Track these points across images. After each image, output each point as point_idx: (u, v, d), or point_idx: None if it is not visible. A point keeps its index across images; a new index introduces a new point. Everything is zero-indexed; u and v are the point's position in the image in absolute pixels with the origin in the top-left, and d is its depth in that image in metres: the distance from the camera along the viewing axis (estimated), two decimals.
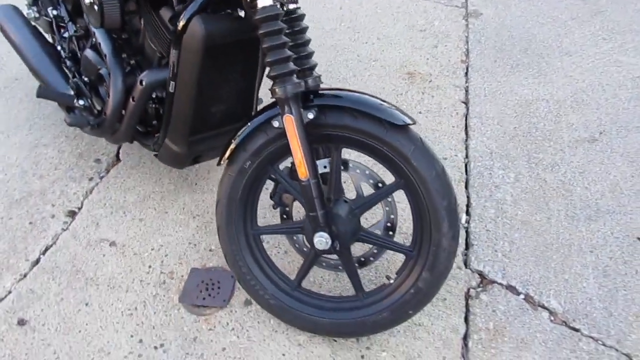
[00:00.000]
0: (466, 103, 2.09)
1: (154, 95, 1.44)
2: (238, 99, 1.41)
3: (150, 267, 1.52)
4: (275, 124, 1.12)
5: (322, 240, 1.15)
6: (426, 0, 2.79)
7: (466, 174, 1.78)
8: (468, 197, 1.70)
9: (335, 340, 1.31)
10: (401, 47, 2.44)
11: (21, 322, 1.39)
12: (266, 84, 1.25)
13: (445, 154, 1.85)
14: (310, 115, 1.09)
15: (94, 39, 1.48)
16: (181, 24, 1.18)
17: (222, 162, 1.23)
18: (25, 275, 1.51)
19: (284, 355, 1.29)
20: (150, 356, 1.30)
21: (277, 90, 1.07)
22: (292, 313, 1.28)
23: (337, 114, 1.11)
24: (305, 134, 1.09)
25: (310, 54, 1.23)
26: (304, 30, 1.22)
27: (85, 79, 1.55)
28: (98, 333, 1.35)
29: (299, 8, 1.22)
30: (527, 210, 1.64)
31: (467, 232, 1.59)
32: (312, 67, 1.22)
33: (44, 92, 1.48)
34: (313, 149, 1.15)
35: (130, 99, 1.40)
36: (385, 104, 1.12)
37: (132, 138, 1.56)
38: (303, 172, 1.11)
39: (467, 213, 1.65)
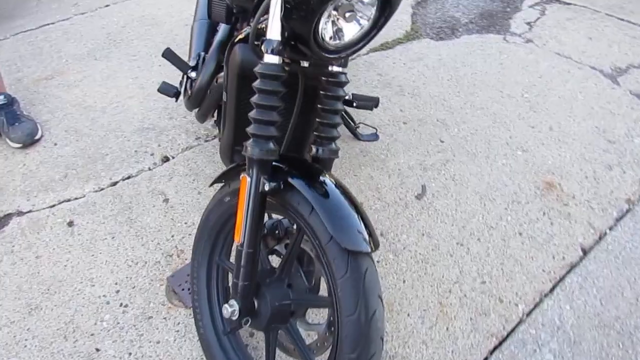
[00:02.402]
0: (583, 254, 1.64)
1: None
2: (281, 131, 1.38)
3: (172, 236, 1.65)
4: (242, 175, 1.07)
5: (229, 309, 1.08)
6: None
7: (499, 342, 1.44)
8: None
9: None
10: (565, 147, 2.00)
11: (70, 224, 1.69)
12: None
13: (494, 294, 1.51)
14: (268, 187, 1.02)
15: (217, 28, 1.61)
16: (229, 46, 1.20)
17: (211, 186, 1.24)
18: (100, 190, 1.80)
19: None
20: (112, 309, 1.44)
21: (247, 146, 1.02)
22: (211, 354, 1.27)
23: (297, 198, 1.01)
24: (257, 201, 1.03)
25: (336, 125, 1.12)
26: (338, 97, 1.12)
27: (201, 58, 1.69)
28: (101, 265, 1.55)
29: (343, 73, 1.11)
30: None
31: None
32: (331, 138, 1.13)
33: (169, 54, 1.66)
34: (261, 218, 1.07)
35: (208, 90, 1.50)
36: (352, 217, 0.98)
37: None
38: (238, 237, 1.05)
39: None
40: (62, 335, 1.37)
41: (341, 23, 0.99)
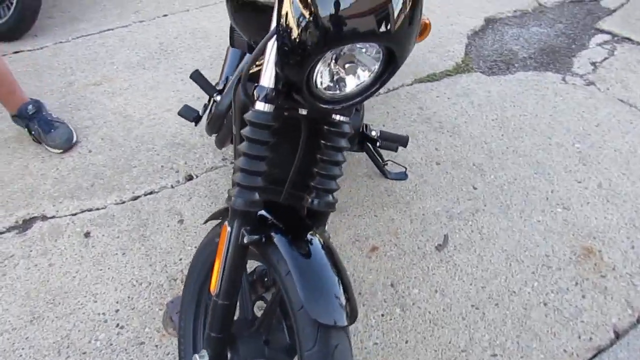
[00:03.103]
0: (615, 338, 1.46)
1: None
2: (291, 169, 1.32)
3: (180, 260, 1.63)
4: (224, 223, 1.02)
5: (197, 359, 1.03)
6: None
7: None
8: None
9: None
10: (613, 209, 1.81)
11: (87, 235, 1.71)
12: None
13: None
14: (247, 240, 0.96)
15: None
16: (237, 80, 1.16)
17: (205, 223, 1.20)
18: (121, 202, 1.82)
19: None
20: (108, 329, 1.44)
21: (230, 195, 0.97)
22: None
23: (276, 255, 0.95)
24: (235, 253, 0.97)
25: (334, 176, 1.05)
26: (340, 149, 1.04)
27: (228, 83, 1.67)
28: (107, 280, 1.56)
29: (347, 123, 1.04)
30: None
31: None
32: (328, 190, 1.06)
33: (196, 77, 1.64)
34: (240, 270, 1.01)
35: (225, 118, 1.47)
36: (330, 286, 0.90)
37: None
38: (213, 287, 1.00)
39: None
40: (56, 350, 1.38)
41: (342, 73, 0.92)
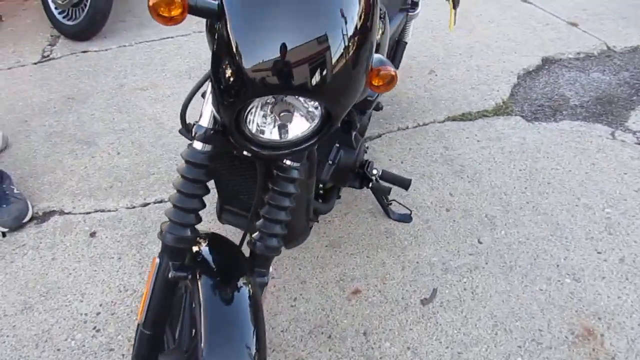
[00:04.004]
0: None
1: None
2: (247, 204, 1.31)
3: None
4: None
5: None
6: None
7: None
8: None
9: None
10: (631, 289, 1.60)
11: (92, 234, 1.80)
12: None
13: None
14: (172, 275, 0.95)
15: None
16: None
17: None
18: (132, 207, 1.90)
19: None
20: (85, 330, 1.50)
21: (162, 228, 0.96)
22: None
23: (197, 294, 0.94)
24: (161, 287, 0.97)
25: (280, 221, 1.02)
26: (287, 194, 1.01)
27: None
28: (97, 282, 1.63)
29: (295, 169, 1.00)
30: None
31: None
32: (273, 235, 1.03)
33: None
34: (166, 303, 1.01)
35: None
36: (238, 340, 0.88)
37: None
38: (140, 315, 1.00)
39: None
40: (35, 342, 1.46)
41: (279, 121, 0.89)
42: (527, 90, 2.61)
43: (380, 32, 1.32)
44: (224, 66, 0.80)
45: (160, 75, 2.68)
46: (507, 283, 1.63)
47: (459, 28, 3.14)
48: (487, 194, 1.96)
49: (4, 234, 1.77)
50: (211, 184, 1.04)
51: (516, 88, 2.62)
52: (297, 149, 0.90)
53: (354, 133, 1.46)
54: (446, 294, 1.60)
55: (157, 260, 0.98)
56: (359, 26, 0.81)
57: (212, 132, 0.93)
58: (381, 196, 1.83)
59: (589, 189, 1.98)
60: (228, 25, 0.79)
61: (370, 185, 1.54)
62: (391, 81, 0.90)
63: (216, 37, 0.82)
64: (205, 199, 0.97)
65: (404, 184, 1.61)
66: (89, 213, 1.87)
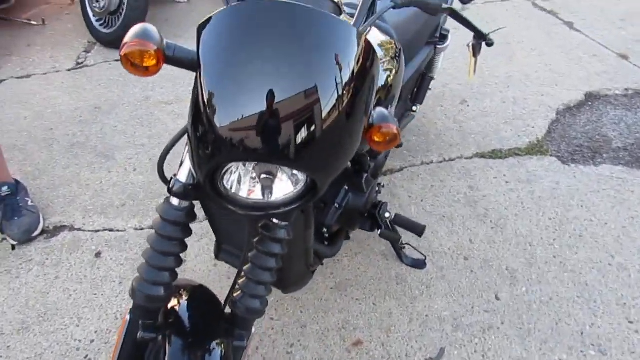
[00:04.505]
0: None
1: None
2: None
3: None
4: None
5: None
6: None
7: None
8: None
9: None
10: None
11: (97, 255, 1.77)
12: None
13: None
14: (141, 335, 0.89)
15: None
16: None
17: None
18: (140, 229, 1.86)
19: None
20: (77, 358, 1.46)
21: (133, 285, 0.90)
22: None
23: (167, 357, 0.87)
24: (129, 346, 0.92)
25: (264, 283, 0.94)
26: (273, 254, 0.93)
27: None
28: (95, 307, 1.59)
29: (282, 228, 0.91)
30: None
31: None
32: (255, 296, 0.94)
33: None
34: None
35: None
36: None
37: None
38: None
39: None
40: None
41: (260, 183, 0.81)
42: (566, 128, 2.43)
43: (394, 72, 1.22)
44: (198, 121, 0.73)
45: (187, 89, 2.65)
46: (523, 349, 1.49)
47: (499, 55, 2.98)
48: (510, 244, 1.81)
49: (13, 247, 1.77)
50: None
51: (554, 125, 2.44)
52: (277, 212, 0.82)
53: (365, 175, 1.36)
54: (454, 356, 1.47)
55: (127, 317, 0.91)
56: (354, 80, 0.72)
57: (190, 187, 0.86)
58: (394, 239, 1.71)
59: (626, 246, 1.81)
60: (202, 76, 0.71)
61: (378, 232, 1.43)
62: (392, 140, 0.80)
63: (194, 87, 0.75)
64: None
65: (417, 230, 1.50)
66: (98, 231, 1.84)
